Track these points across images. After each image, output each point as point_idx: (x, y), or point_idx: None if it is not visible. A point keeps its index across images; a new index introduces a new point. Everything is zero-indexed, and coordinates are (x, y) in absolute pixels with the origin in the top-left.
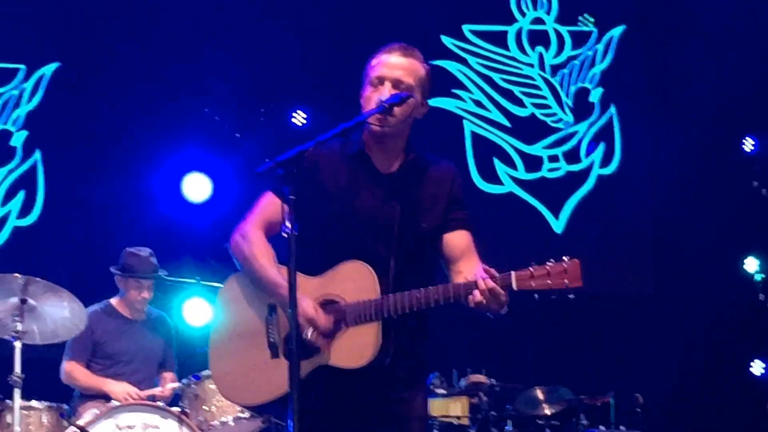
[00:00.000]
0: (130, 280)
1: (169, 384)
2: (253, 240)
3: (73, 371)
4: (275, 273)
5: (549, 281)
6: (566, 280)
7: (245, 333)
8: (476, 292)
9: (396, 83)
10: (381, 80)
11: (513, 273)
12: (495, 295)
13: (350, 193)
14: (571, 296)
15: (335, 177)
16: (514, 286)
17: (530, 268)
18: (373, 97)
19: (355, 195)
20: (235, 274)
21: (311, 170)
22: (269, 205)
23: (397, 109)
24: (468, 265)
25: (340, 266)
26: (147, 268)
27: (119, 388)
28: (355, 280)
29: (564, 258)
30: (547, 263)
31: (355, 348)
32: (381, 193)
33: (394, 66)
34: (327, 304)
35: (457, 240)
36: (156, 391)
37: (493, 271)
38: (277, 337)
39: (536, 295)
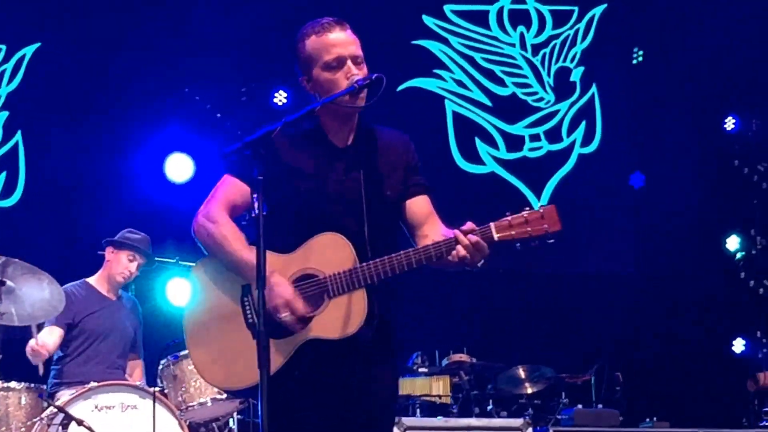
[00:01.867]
0: (124, 251)
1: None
2: (221, 223)
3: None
4: (250, 254)
5: (528, 228)
6: (546, 225)
7: (222, 317)
8: (459, 247)
9: (354, 59)
10: (341, 61)
11: (492, 224)
12: (479, 249)
13: (312, 169)
14: (551, 241)
15: (294, 154)
16: (495, 237)
17: (508, 218)
18: (340, 78)
19: (317, 171)
20: (204, 257)
21: (277, 151)
22: (231, 188)
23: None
24: (432, 229)
25: (313, 240)
26: (143, 245)
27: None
28: (331, 252)
29: (539, 205)
30: (524, 211)
31: (343, 317)
32: (341, 166)
33: (347, 42)
34: (305, 279)
35: (419, 205)
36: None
37: (472, 224)
38: (255, 317)
39: (518, 245)
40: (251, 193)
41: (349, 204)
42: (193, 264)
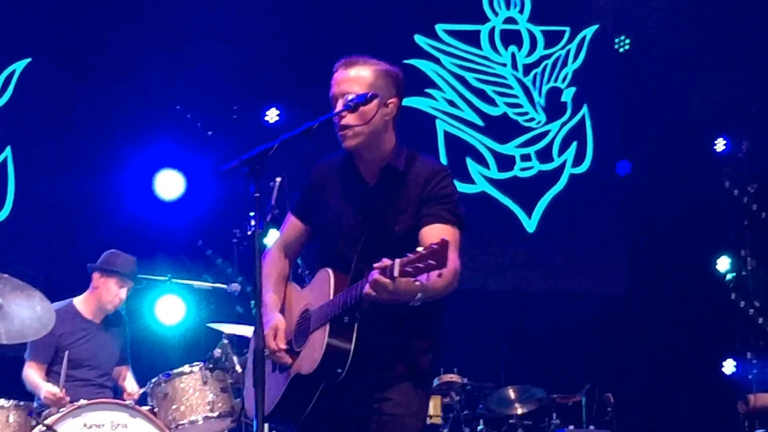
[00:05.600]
0: (113, 278)
1: (135, 389)
2: (267, 260)
3: (26, 373)
4: (268, 296)
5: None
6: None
7: None
8: (366, 285)
9: (344, 98)
10: (334, 99)
11: (396, 261)
12: (381, 286)
13: (336, 202)
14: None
15: (327, 189)
16: (396, 273)
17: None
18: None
19: (339, 207)
20: None
21: (315, 183)
22: (288, 226)
23: (351, 116)
24: None
25: (317, 273)
26: (131, 269)
27: (45, 389)
28: (318, 287)
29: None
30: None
31: (310, 354)
32: (362, 202)
33: (339, 82)
34: (303, 314)
35: (429, 235)
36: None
37: (381, 263)
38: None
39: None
40: (304, 227)
41: (355, 241)
42: (186, 281)
